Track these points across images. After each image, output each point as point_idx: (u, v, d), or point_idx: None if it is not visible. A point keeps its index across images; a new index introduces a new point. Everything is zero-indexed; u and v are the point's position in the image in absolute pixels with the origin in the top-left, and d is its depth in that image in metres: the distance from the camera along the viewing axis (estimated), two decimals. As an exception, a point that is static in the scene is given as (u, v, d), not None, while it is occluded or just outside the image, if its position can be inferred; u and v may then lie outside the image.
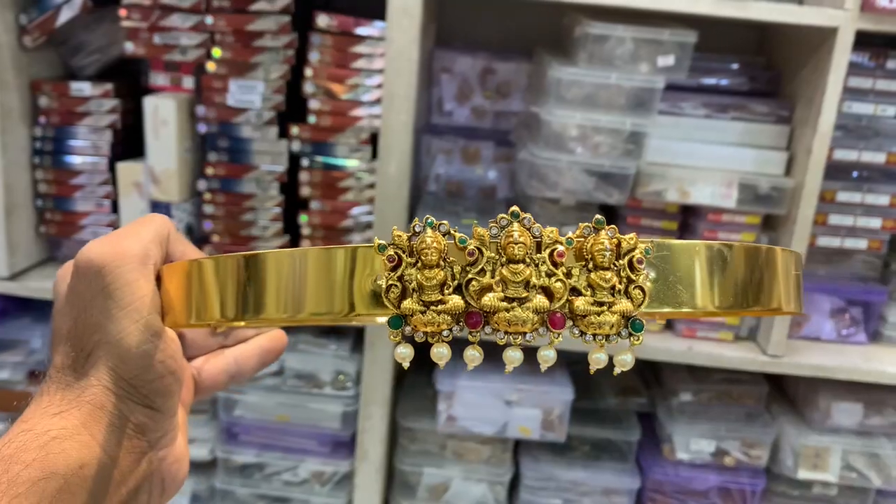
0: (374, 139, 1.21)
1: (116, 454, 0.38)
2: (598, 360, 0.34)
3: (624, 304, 0.33)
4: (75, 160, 1.26)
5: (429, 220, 0.34)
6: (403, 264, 0.33)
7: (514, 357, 0.34)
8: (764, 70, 1.30)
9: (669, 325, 1.27)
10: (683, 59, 1.14)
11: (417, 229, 0.34)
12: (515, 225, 0.34)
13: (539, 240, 0.34)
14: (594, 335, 0.34)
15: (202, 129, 1.23)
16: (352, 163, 1.23)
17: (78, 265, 0.39)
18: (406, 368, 0.36)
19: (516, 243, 0.33)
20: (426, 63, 1.30)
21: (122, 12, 1.20)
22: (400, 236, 0.34)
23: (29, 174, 1.27)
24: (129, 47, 1.22)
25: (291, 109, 1.23)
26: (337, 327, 1.34)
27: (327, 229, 1.25)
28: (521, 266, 0.33)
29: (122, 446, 0.38)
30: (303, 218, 1.25)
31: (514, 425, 1.28)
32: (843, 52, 1.07)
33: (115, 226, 1.29)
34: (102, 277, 0.38)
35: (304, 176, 1.23)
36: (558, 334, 0.34)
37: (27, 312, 1.39)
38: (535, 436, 1.29)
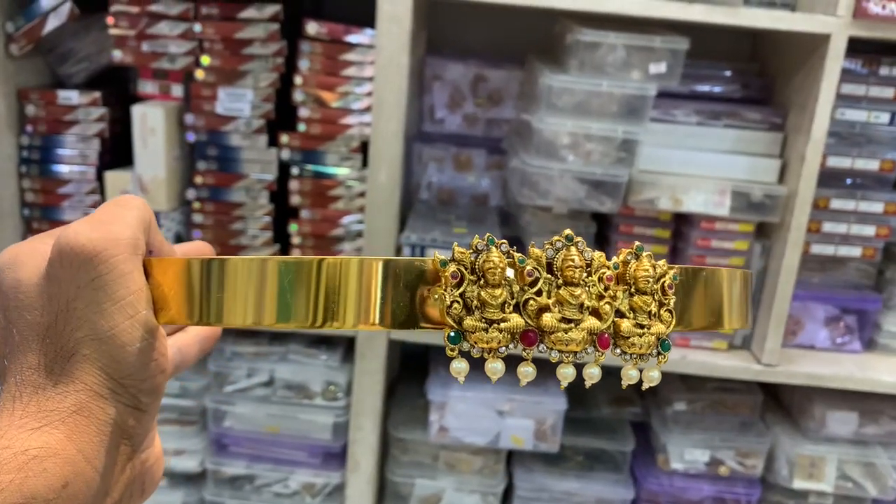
0: (364, 147, 1.20)
1: (104, 466, 0.35)
2: (631, 376, 0.36)
3: (659, 327, 0.36)
4: (63, 169, 1.25)
5: (490, 239, 0.35)
6: (466, 281, 0.34)
7: (567, 374, 0.36)
8: (756, 77, 1.29)
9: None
10: (675, 67, 1.14)
11: (480, 247, 0.35)
12: (573, 249, 0.35)
13: (589, 263, 0.36)
14: (631, 354, 0.36)
15: (191, 137, 1.22)
16: (342, 171, 1.22)
17: (63, 252, 0.34)
18: (462, 382, 0.38)
19: (576, 267, 0.35)
20: (417, 71, 1.29)
21: (110, 20, 1.19)
22: (463, 253, 0.35)
23: (16, 183, 1.25)
24: (118, 55, 1.21)
25: (281, 118, 1.21)
26: (327, 337, 1.33)
27: (318, 238, 1.24)
28: (579, 289, 0.35)
29: (109, 456, 0.35)
30: (293, 227, 1.24)
31: (507, 436, 1.27)
32: (835, 59, 1.07)
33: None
34: (94, 267, 0.34)
35: (294, 184, 1.22)
36: (602, 353, 0.36)
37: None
38: (527, 446, 1.28)
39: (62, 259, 0.35)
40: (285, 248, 1.25)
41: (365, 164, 1.20)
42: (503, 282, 0.34)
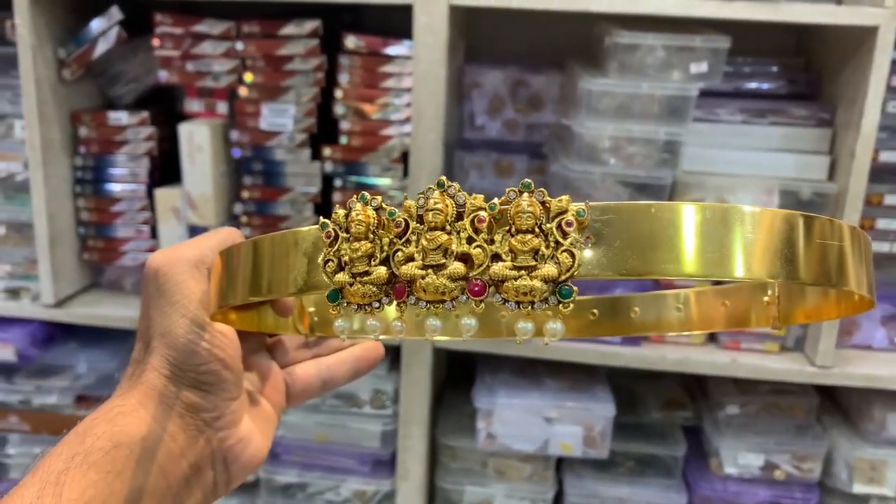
0: (405, 157, 1.21)
1: (171, 429, 0.44)
2: (522, 329, 0.33)
3: (547, 269, 0.32)
4: (115, 188, 1.29)
5: (362, 196, 0.35)
6: (340, 239, 0.35)
7: (432, 326, 0.34)
8: (803, 72, 1.26)
9: (713, 338, 1.24)
10: (717, 65, 1.12)
11: (351, 205, 0.35)
12: (436, 193, 0.34)
13: (463, 208, 0.33)
14: (517, 302, 0.32)
15: (236, 153, 1.24)
16: (384, 181, 1.23)
17: (144, 270, 0.46)
18: (343, 340, 0.42)
19: (433, 210, 0.33)
20: (456, 79, 1.29)
21: (156, 42, 1.22)
22: (338, 213, 0.35)
23: (71, 203, 1.30)
24: (164, 75, 1.24)
25: (323, 131, 1.23)
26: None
27: (362, 249, 1.25)
28: (439, 233, 0.33)
29: (175, 423, 0.44)
30: (337, 238, 1.25)
31: (556, 442, 1.26)
32: (884, 52, 1.04)
33: (154, 251, 1.31)
34: (157, 279, 0.44)
35: (337, 196, 1.24)
36: (479, 302, 0.33)
37: (73, 338, 1.42)
38: (576, 453, 1.27)
39: (144, 275, 0.46)
40: (330, 259, 1.27)
41: (406, 173, 1.21)
42: (370, 235, 0.34)
